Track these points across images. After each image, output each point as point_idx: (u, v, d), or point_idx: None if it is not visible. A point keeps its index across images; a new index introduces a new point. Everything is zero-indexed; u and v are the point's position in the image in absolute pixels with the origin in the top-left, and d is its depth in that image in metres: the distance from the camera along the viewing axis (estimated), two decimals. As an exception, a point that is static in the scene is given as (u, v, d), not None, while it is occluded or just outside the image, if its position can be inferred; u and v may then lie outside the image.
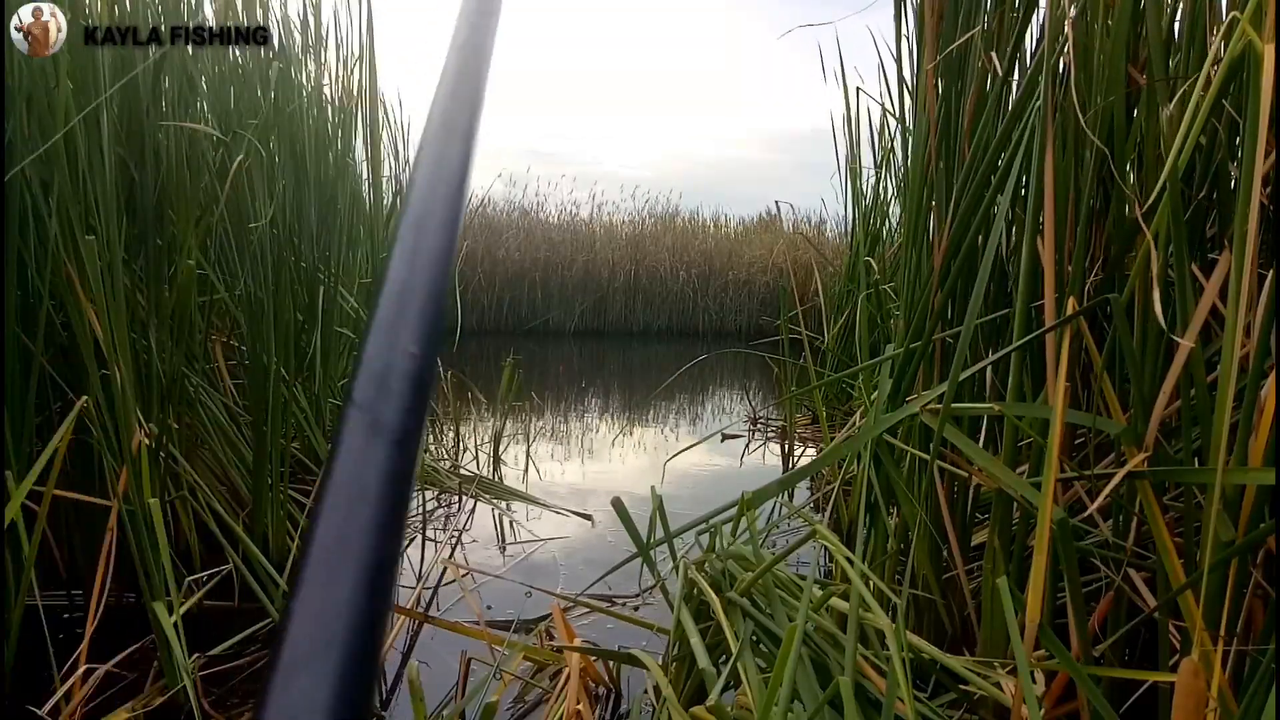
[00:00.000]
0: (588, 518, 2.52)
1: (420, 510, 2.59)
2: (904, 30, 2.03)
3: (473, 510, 2.57)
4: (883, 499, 1.56)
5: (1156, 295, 0.95)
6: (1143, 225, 1.05)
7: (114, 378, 1.46)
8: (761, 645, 1.21)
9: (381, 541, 0.16)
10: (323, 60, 2.67)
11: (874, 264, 3.17)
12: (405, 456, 0.18)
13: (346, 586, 0.16)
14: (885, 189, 3.60)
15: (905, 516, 1.49)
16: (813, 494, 2.84)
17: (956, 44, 1.46)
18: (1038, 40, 1.39)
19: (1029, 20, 1.39)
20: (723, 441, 3.80)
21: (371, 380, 0.18)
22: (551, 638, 1.54)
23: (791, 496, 2.84)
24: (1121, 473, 1.06)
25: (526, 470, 3.11)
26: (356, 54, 2.83)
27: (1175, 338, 1.00)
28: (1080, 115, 1.17)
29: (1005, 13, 1.41)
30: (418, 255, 0.22)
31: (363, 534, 0.16)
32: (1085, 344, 1.20)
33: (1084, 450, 1.32)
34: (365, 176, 3.03)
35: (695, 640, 1.18)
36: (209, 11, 2.08)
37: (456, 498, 2.68)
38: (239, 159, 1.85)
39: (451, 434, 3.42)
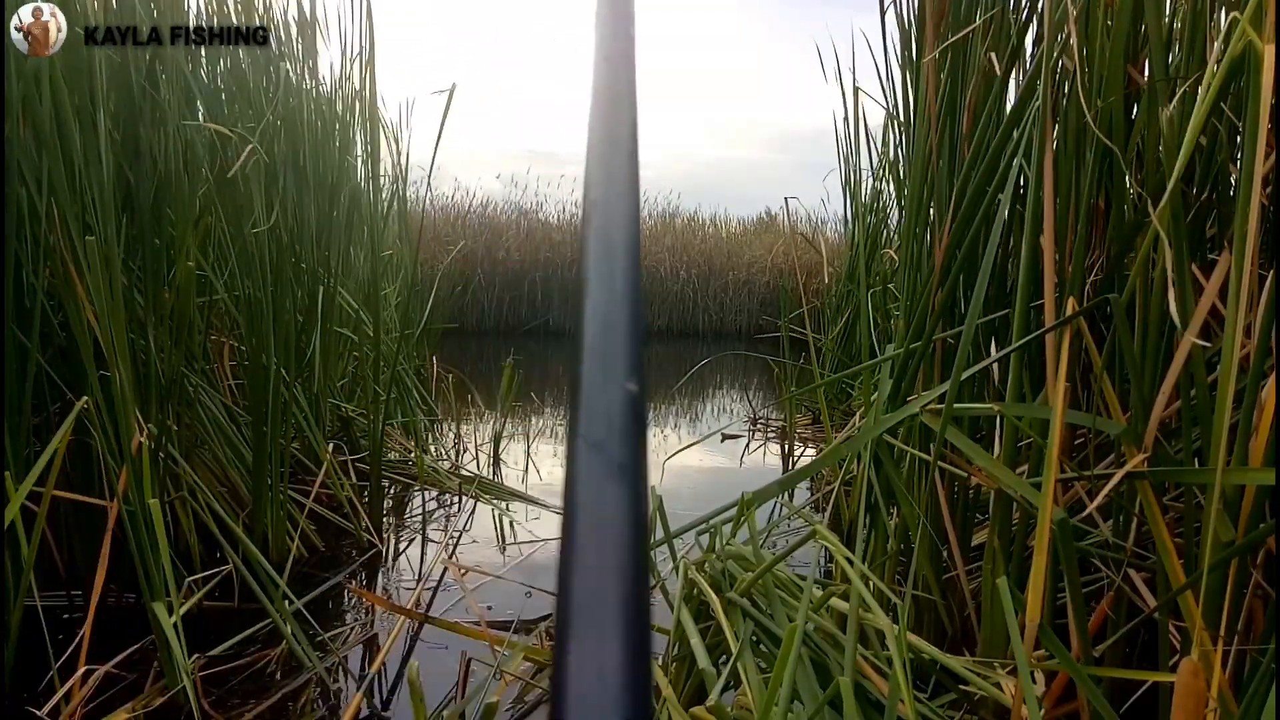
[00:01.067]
0: (588, 518, 2.52)
1: (421, 510, 2.59)
2: (904, 30, 2.03)
3: (473, 510, 2.57)
4: (883, 499, 1.56)
5: (1173, 295, 0.94)
6: (1157, 225, 1.05)
7: (113, 378, 1.46)
8: (761, 645, 1.21)
9: (638, 589, 0.16)
10: (322, 59, 2.67)
11: (870, 270, 3.17)
12: (642, 497, 0.17)
13: (614, 641, 0.15)
14: (885, 189, 3.61)
15: (905, 517, 1.49)
16: (813, 494, 2.84)
17: (954, 39, 1.46)
18: (1037, 38, 1.39)
19: (1030, 19, 1.39)
20: (723, 441, 3.80)
21: (599, 418, 0.18)
22: (551, 637, 1.54)
23: (791, 496, 2.84)
24: (1121, 473, 1.06)
25: (526, 470, 3.11)
26: (356, 52, 2.83)
27: (1179, 324, 1.00)
28: (1087, 112, 1.17)
29: (1004, 11, 1.41)
30: (614, 282, 0.22)
31: (621, 582, 0.16)
32: (1085, 344, 1.20)
33: (1084, 450, 1.32)
34: (364, 175, 3.02)
35: (695, 640, 1.18)
36: (205, 10, 2.08)
37: (456, 498, 2.68)
38: (242, 157, 1.85)
39: (451, 434, 3.42)
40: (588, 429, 0.18)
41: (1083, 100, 1.15)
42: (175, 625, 1.33)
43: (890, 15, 1.92)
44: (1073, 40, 1.14)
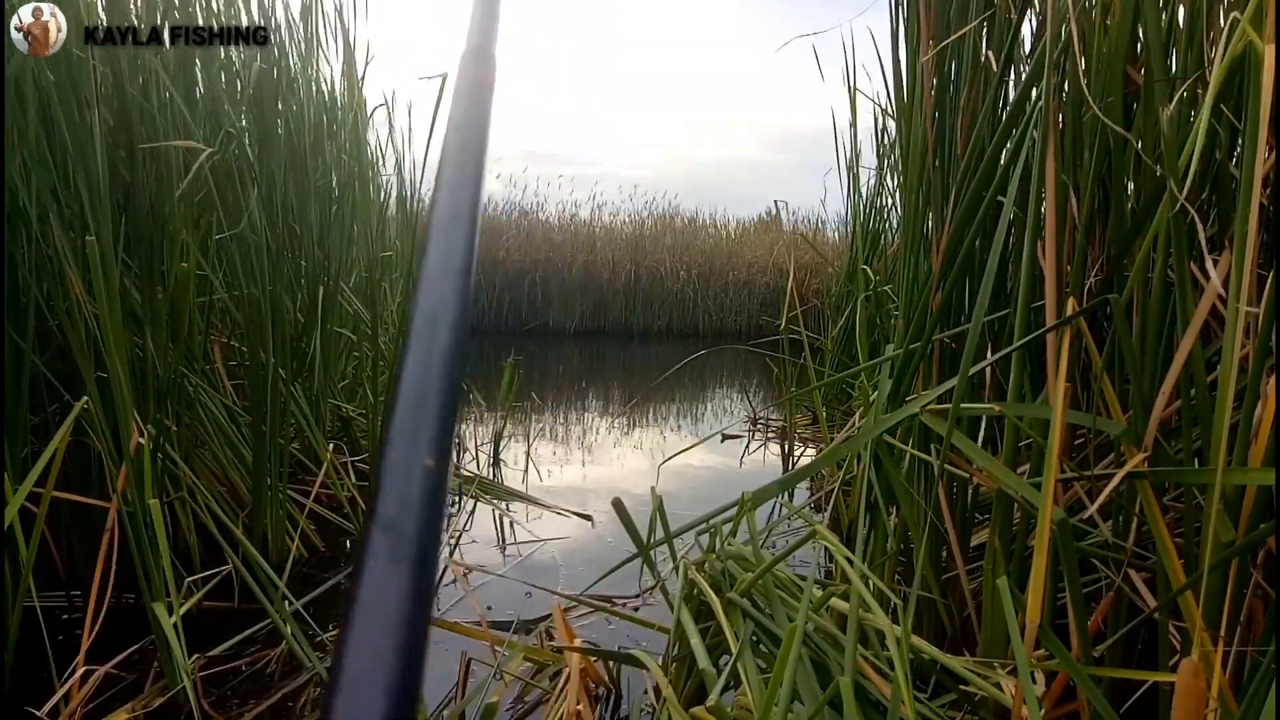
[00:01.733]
0: (587, 518, 2.52)
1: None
2: (900, 30, 2.03)
3: (473, 510, 2.57)
4: (883, 499, 1.56)
5: (1211, 264, 0.94)
6: (1189, 208, 1.05)
7: (112, 379, 1.46)
8: (761, 645, 1.21)
9: (409, 666, 0.17)
10: (320, 59, 2.67)
11: (870, 272, 3.17)
12: (428, 577, 0.18)
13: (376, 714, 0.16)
14: (885, 189, 3.61)
15: (905, 517, 1.49)
16: (813, 494, 2.84)
17: (951, 39, 1.45)
18: (1035, 37, 1.39)
19: (1023, 17, 1.39)
20: (723, 442, 3.80)
21: (393, 496, 0.19)
22: (551, 638, 1.54)
23: (791, 497, 2.84)
24: (1121, 473, 1.06)
25: (526, 470, 3.11)
26: (354, 52, 2.83)
27: (1217, 291, 1.00)
28: (1093, 105, 1.17)
29: (1001, 10, 1.41)
30: (431, 356, 0.22)
31: (389, 657, 0.17)
32: (1085, 344, 1.20)
33: (1084, 451, 1.32)
34: (363, 175, 3.02)
35: (695, 640, 1.18)
36: (203, 10, 2.08)
37: (456, 498, 2.68)
38: (208, 151, 1.85)
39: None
40: (383, 507, 0.18)
41: (1088, 95, 1.15)
42: (175, 625, 1.33)
43: (891, 15, 1.92)
44: (1074, 41, 1.14)
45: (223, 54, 2.15)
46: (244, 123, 2.11)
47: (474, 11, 0.35)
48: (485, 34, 0.34)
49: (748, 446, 3.75)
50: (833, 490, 2.31)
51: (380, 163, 3.47)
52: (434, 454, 0.19)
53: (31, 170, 1.45)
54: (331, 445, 2.35)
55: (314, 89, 2.59)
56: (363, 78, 2.90)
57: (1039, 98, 1.23)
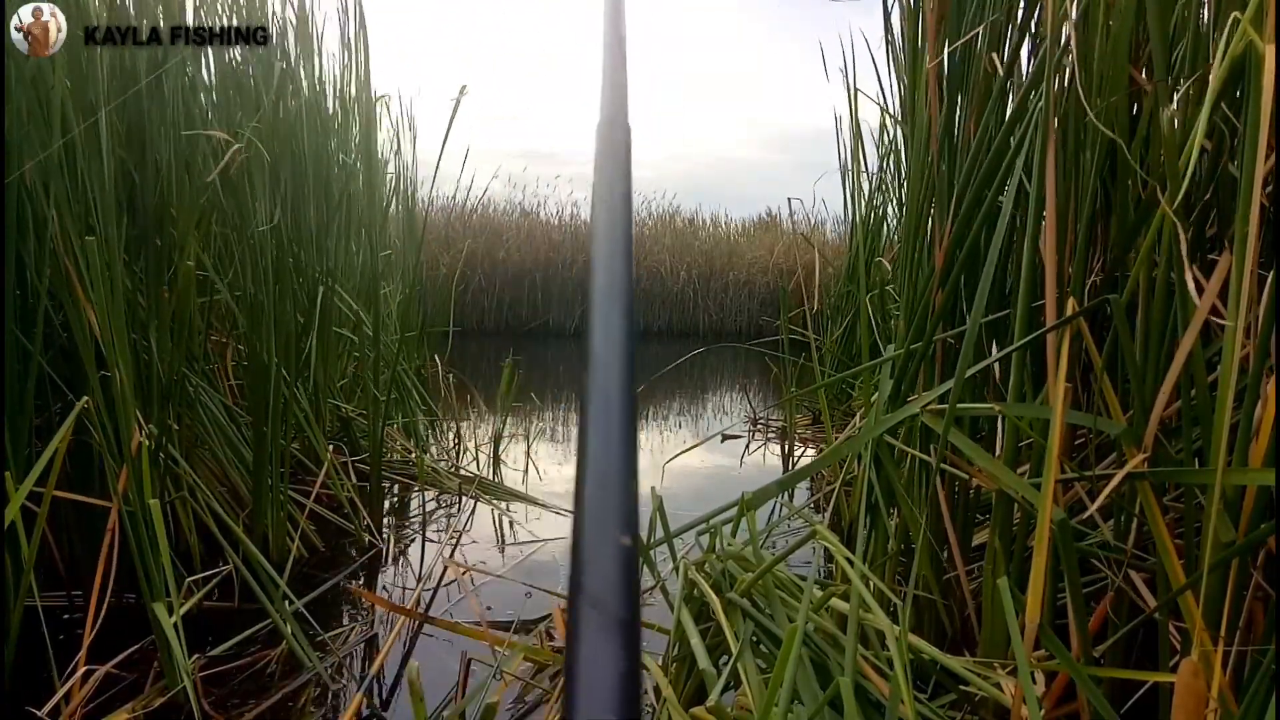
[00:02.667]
0: (588, 518, 2.52)
1: (420, 510, 2.59)
2: (903, 31, 2.03)
3: (473, 510, 2.57)
4: (883, 499, 1.56)
5: (1188, 276, 0.94)
6: (1166, 210, 1.04)
7: (114, 378, 1.46)
8: (761, 646, 1.21)
9: None
10: (320, 59, 2.67)
11: (871, 270, 3.17)
12: (636, 652, 0.19)
13: None
14: (885, 190, 3.60)
15: (905, 517, 1.49)
16: (813, 494, 2.84)
17: (958, 44, 1.46)
18: (1038, 38, 1.39)
19: (1029, 20, 1.39)
20: (723, 442, 3.80)
21: (598, 573, 0.20)
22: (551, 638, 1.54)
23: (791, 497, 2.84)
24: (1121, 473, 1.06)
25: (526, 470, 3.11)
26: (354, 52, 2.83)
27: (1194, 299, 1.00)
28: (1089, 111, 1.17)
29: (1006, 13, 1.41)
30: (610, 434, 0.23)
31: None
32: (1085, 344, 1.20)
33: (1084, 451, 1.32)
34: (363, 175, 3.02)
35: (695, 641, 1.18)
36: (202, 10, 2.08)
37: (456, 498, 2.68)
38: (235, 153, 1.85)
39: (451, 434, 3.42)
40: (589, 582, 0.20)
41: (1083, 99, 1.15)
42: (175, 625, 1.33)
43: (891, 16, 1.93)
44: (1073, 41, 1.14)
45: (224, 54, 2.14)
46: (253, 122, 2.11)
47: (604, 83, 0.36)
48: (617, 105, 0.35)
49: (748, 446, 3.76)
50: (833, 490, 2.31)
51: (382, 163, 3.47)
52: (627, 530, 0.21)
53: (50, 174, 1.45)
54: (331, 445, 2.35)
55: (317, 89, 2.59)
56: (367, 77, 2.90)
57: (1039, 99, 1.23)
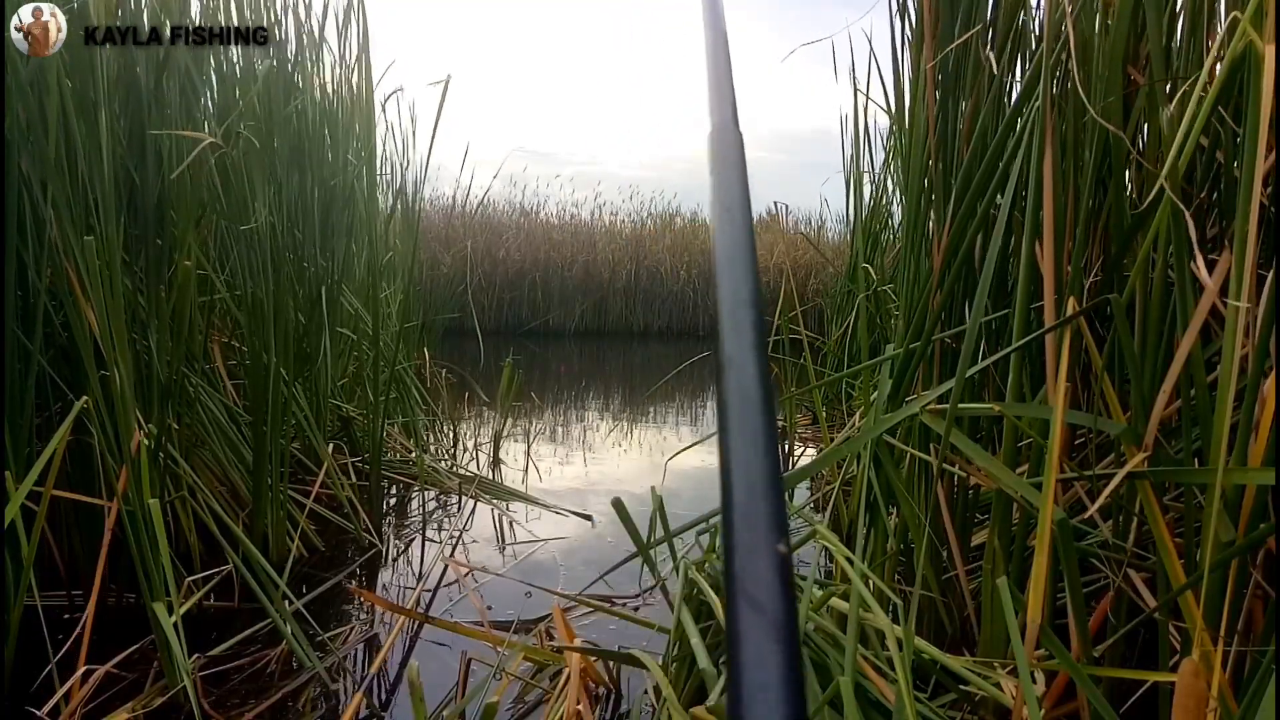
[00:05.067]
0: (587, 518, 2.52)
1: (420, 510, 2.59)
2: (903, 31, 2.03)
3: (473, 510, 2.57)
4: (883, 499, 1.56)
5: (1201, 263, 0.94)
6: (1166, 187, 1.04)
7: (113, 378, 1.46)
8: (761, 645, 1.20)
9: None
10: (322, 59, 2.67)
11: (871, 271, 3.17)
12: (796, 653, 0.20)
13: None
14: (885, 190, 3.60)
15: (905, 517, 1.49)
16: (813, 494, 2.84)
17: (955, 44, 1.46)
18: (1037, 39, 1.39)
19: (1024, 18, 1.39)
20: (723, 441, 3.79)
21: (757, 578, 0.21)
22: (551, 638, 1.54)
23: (791, 496, 2.84)
24: (1122, 473, 1.06)
25: (526, 470, 3.11)
26: (355, 52, 2.83)
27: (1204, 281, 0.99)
28: (1089, 107, 1.17)
29: (1004, 12, 1.41)
30: (756, 438, 0.24)
31: None
32: (1085, 344, 1.20)
33: (1084, 450, 1.32)
34: (364, 174, 3.02)
35: (695, 640, 1.18)
36: (202, 10, 2.08)
37: (456, 498, 2.68)
38: (215, 146, 1.85)
39: (451, 434, 3.42)
40: (749, 587, 0.20)
41: (1081, 96, 1.15)
42: (175, 625, 1.33)
43: (891, 16, 1.92)
44: (1070, 41, 1.14)
45: (224, 54, 2.14)
46: (251, 121, 2.11)
47: (711, 88, 0.37)
48: (726, 110, 0.36)
49: (748, 446, 3.75)
50: (833, 490, 2.31)
51: (384, 163, 3.47)
52: (783, 538, 0.21)
53: (49, 175, 1.45)
54: (331, 445, 2.35)
55: (319, 89, 2.59)
56: (370, 77, 2.90)
57: (1038, 98, 1.23)
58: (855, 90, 3.35)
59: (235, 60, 2.18)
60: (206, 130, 1.94)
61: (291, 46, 2.37)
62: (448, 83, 2.21)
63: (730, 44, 0.39)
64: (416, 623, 1.68)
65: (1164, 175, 0.97)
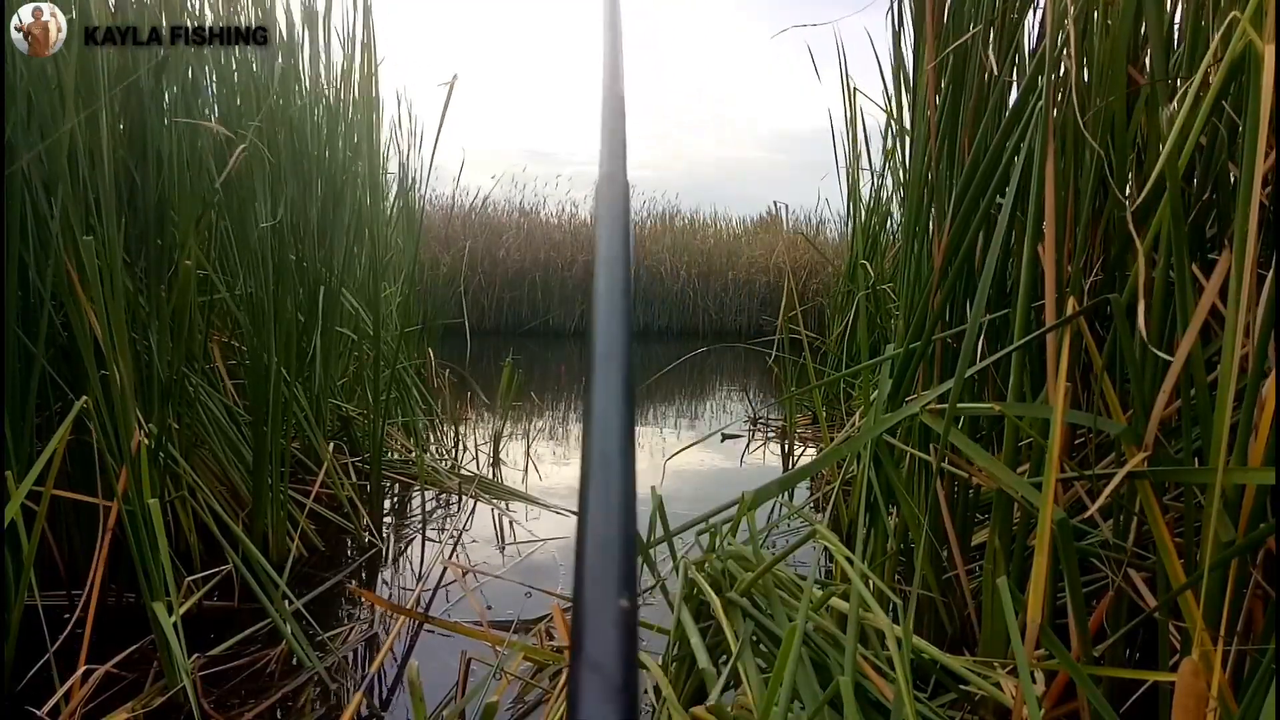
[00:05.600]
0: (588, 518, 2.51)
1: (420, 510, 2.59)
2: (903, 31, 2.03)
3: (472, 510, 2.57)
4: (883, 499, 1.56)
5: (1141, 307, 0.94)
6: (1133, 232, 1.05)
7: (114, 378, 1.46)
8: (761, 645, 1.21)
9: None
10: (323, 59, 2.67)
11: (870, 269, 3.17)
12: (633, 707, 0.20)
13: None
14: (885, 190, 3.60)
15: (905, 517, 1.49)
16: (813, 494, 2.84)
17: (956, 44, 1.46)
18: (1038, 39, 1.39)
19: (1023, 19, 1.39)
20: (723, 441, 3.80)
21: (598, 637, 0.21)
22: (551, 638, 1.54)
23: (791, 496, 2.84)
24: (1122, 473, 1.06)
25: (526, 470, 3.11)
26: (358, 52, 2.83)
27: (1157, 351, 1.00)
28: (1080, 117, 1.17)
29: (1005, 13, 1.41)
30: (610, 499, 0.24)
31: None
32: (1085, 344, 1.20)
33: (1084, 450, 1.32)
34: (366, 175, 3.02)
35: (695, 640, 1.18)
36: (209, 10, 2.08)
37: (456, 498, 2.68)
38: (238, 151, 1.85)
39: (451, 434, 3.42)
40: (590, 646, 0.20)
41: (1075, 104, 1.15)
42: (175, 625, 1.33)
43: (891, 16, 1.93)
44: (1070, 41, 1.14)
45: (224, 54, 2.14)
46: (254, 121, 2.11)
47: (603, 140, 0.37)
48: (616, 160, 0.36)
49: (748, 446, 3.75)
50: (833, 490, 2.31)
51: (385, 163, 3.47)
52: (626, 594, 0.22)
53: (56, 175, 1.45)
54: (331, 445, 2.35)
55: (320, 88, 2.59)
56: (375, 77, 2.90)
57: (1039, 98, 1.23)
58: (855, 90, 3.34)
59: (236, 59, 2.18)
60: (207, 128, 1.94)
61: (302, 49, 2.37)
62: (454, 82, 2.20)
63: (626, 95, 0.39)
64: (416, 623, 1.68)
65: (1162, 162, 0.97)
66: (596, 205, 0.35)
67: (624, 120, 0.38)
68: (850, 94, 3.38)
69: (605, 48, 0.42)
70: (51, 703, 1.20)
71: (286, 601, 1.63)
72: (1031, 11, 1.42)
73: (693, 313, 10.26)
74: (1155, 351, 1.05)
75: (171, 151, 1.80)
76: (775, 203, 12.03)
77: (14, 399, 1.47)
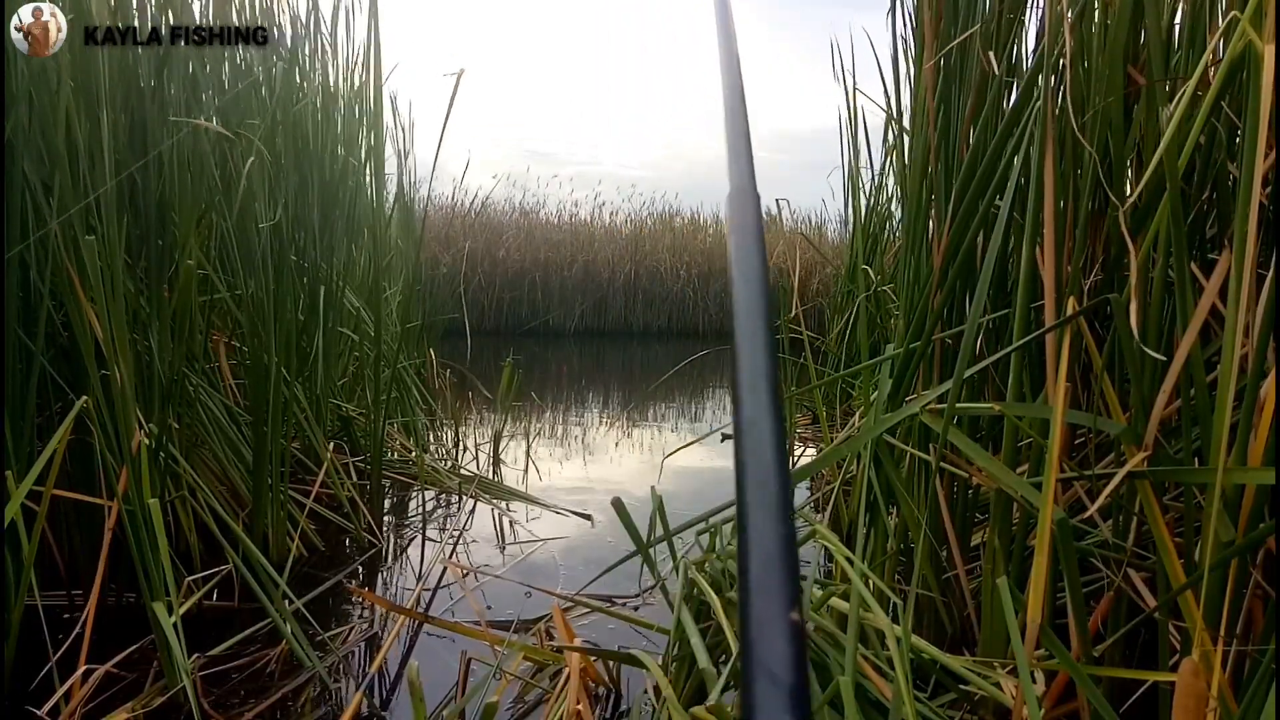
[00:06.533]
0: (587, 518, 2.52)
1: (420, 510, 2.59)
2: (901, 31, 2.03)
3: (473, 510, 2.57)
4: (882, 499, 1.56)
5: (1134, 306, 0.94)
6: (1125, 231, 1.05)
7: (114, 378, 1.46)
8: (761, 645, 1.20)
9: None
10: (326, 59, 2.67)
11: (870, 272, 3.17)
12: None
13: None
14: (885, 190, 3.60)
15: (905, 517, 1.49)
16: (813, 494, 2.84)
17: (954, 43, 1.46)
18: (1037, 39, 1.39)
19: (1023, 19, 1.39)
20: (722, 441, 3.79)
21: (771, 649, 0.21)
22: (551, 638, 1.54)
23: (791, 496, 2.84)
24: (1122, 473, 1.06)
25: (526, 470, 3.11)
26: (360, 53, 2.83)
27: (1150, 351, 1.00)
28: (1075, 118, 1.17)
29: (1004, 12, 1.41)
30: (770, 511, 0.24)
31: None
32: (1085, 344, 1.20)
33: (1084, 450, 1.32)
34: (367, 174, 3.02)
35: (695, 640, 1.18)
36: (208, 11, 2.08)
37: (456, 498, 2.68)
38: (246, 160, 1.85)
39: (451, 434, 3.42)
40: (767, 658, 0.21)
41: (1069, 105, 1.15)
42: (175, 625, 1.33)
43: (891, 16, 1.93)
44: (1069, 41, 1.14)
45: (225, 53, 2.14)
46: (255, 120, 2.11)
47: (730, 151, 0.37)
48: (745, 174, 0.37)
49: (748, 446, 3.74)
50: (833, 490, 2.31)
51: (382, 161, 3.47)
52: (797, 608, 0.22)
53: (56, 173, 1.45)
54: (331, 444, 2.35)
55: (321, 87, 2.59)
56: (378, 76, 2.90)
57: (1038, 98, 1.23)
58: (856, 89, 3.35)
59: (239, 59, 2.18)
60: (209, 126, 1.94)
61: (304, 47, 2.37)
62: (460, 76, 2.20)
63: (748, 105, 0.39)
64: (416, 622, 1.68)
65: (1160, 151, 0.97)
66: (728, 219, 0.35)
67: (748, 135, 0.39)
68: (851, 94, 3.38)
69: (722, 62, 0.42)
70: (51, 702, 1.20)
71: (286, 601, 1.63)
72: (1030, 11, 1.42)
73: (692, 313, 10.26)
74: (1148, 351, 1.05)
75: (172, 150, 1.80)
76: (776, 200, 11.98)
77: (14, 399, 1.47)
